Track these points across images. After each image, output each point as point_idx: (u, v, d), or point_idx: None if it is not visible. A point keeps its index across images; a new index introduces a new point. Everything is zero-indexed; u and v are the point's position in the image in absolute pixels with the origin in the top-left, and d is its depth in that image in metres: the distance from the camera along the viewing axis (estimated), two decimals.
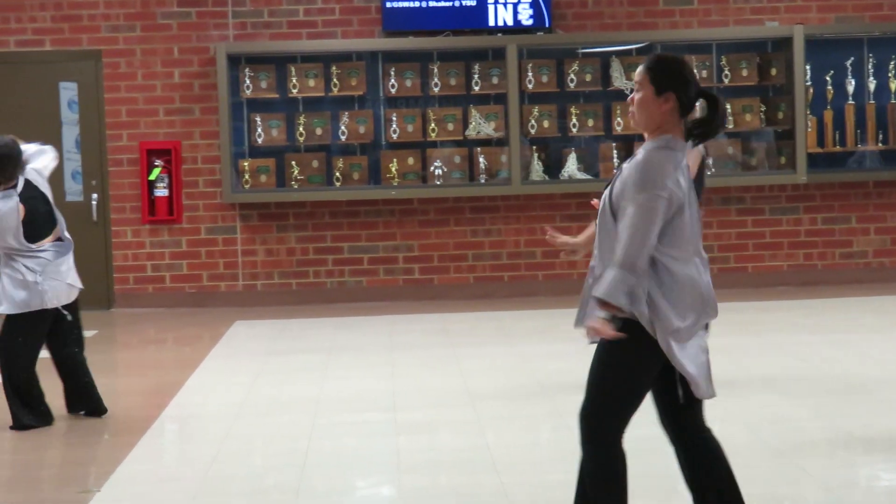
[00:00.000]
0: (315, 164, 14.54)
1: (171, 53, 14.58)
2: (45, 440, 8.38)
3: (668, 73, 5.13)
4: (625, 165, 5.11)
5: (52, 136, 13.90)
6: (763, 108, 14.72)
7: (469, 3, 14.47)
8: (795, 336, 11.29)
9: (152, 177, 14.52)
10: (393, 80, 14.52)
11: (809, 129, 14.56)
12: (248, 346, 12.21)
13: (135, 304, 14.62)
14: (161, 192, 14.56)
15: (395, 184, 14.48)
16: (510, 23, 14.49)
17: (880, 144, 14.78)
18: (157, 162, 14.51)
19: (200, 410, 9.13)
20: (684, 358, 5.03)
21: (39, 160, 9.03)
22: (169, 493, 6.91)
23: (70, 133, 14.59)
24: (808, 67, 14.55)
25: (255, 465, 7.66)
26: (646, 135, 5.15)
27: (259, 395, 9.54)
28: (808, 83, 14.63)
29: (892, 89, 14.80)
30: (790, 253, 14.94)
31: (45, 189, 8.91)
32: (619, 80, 14.55)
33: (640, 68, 5.17)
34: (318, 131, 14.53)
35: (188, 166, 14.62)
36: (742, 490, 5.25)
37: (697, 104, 5.17)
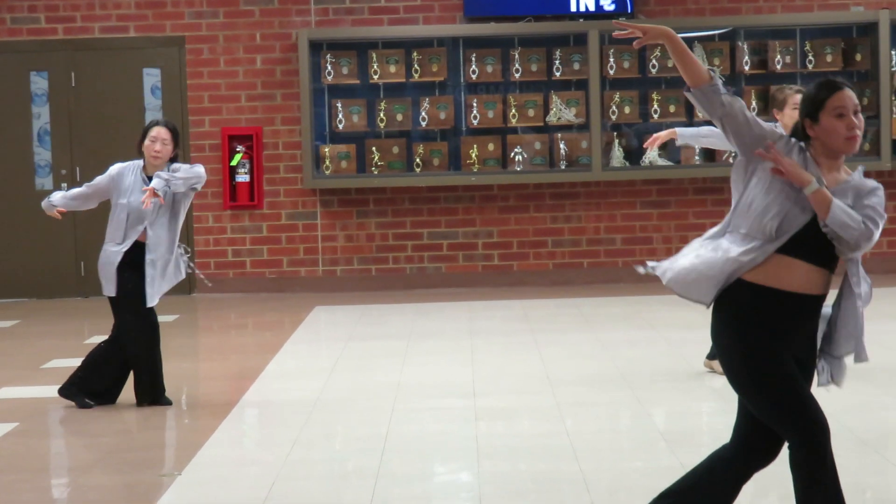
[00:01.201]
0: (395, 149, 14.56)
1: (254, 40, 14.65)
2: (128, 424, 8.46)
3: None
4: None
5: (135, 122, 14.02)
6: None
7: None
8: (882, 325, 11.14)
9: (234, 162, 14.61)
10: (474, 66, 14.51)
11: (894, 116, 14.39)
12: (328, 331, 12.25)
13: (216, 290, 14.71)
14: (242, 177, 14.64)
15: (475, 170, 14.47)
16: (592, 8, 14.42)
17: None
18: (239, 148, 14.60)
19: (281, 395, 9.17)
20: None
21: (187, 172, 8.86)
22: (249, 477, 6.94)
23: (153, 118, 14.68)
24: (893, 53, 14.38)
25: (335, 449, 7.69)
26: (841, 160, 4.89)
27: (339, 380, 9.57)
28: (894, 69, 14.45)
29: None
30: None
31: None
32: None
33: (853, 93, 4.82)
34: (399, 117, 14.55)
35: (269, 152, 14.70)
36: None
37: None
